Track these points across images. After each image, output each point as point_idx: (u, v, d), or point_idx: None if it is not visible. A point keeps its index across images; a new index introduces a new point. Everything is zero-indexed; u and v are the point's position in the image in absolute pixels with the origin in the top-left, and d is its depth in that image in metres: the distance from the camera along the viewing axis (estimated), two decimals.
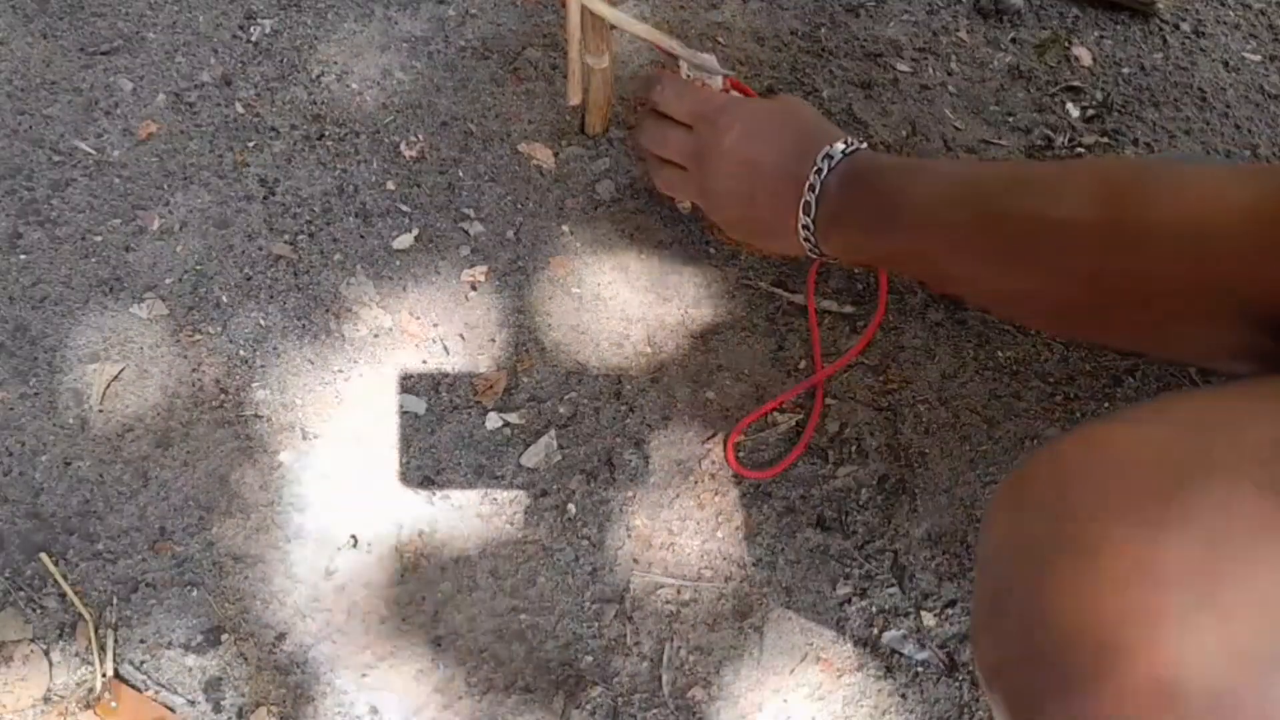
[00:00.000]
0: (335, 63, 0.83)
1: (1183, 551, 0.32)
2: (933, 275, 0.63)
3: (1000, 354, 0.75)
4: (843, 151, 0.62)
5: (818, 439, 0.71)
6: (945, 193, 0.57)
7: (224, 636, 0.63)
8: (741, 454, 0.70)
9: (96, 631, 0.63)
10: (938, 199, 0.57)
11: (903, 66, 0.87)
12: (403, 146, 0.79)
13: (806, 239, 0.63)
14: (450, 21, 0.85)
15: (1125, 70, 0.88)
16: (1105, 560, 0.33)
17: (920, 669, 0.65)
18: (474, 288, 0.74)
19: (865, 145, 0.63)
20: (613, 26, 0.69)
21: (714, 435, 0.70)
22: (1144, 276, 0.47)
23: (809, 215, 0.62)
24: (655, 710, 0.63)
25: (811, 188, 0.61)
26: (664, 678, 0.64)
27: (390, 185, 0.78)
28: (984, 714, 0.64)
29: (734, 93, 0.69)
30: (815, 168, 0.61)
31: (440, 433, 0.69)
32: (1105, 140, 0.84)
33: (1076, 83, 0.87)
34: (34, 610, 0.63)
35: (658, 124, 0.68)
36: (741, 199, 0.65)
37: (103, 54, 0.82)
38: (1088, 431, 0.37)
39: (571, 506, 0.68)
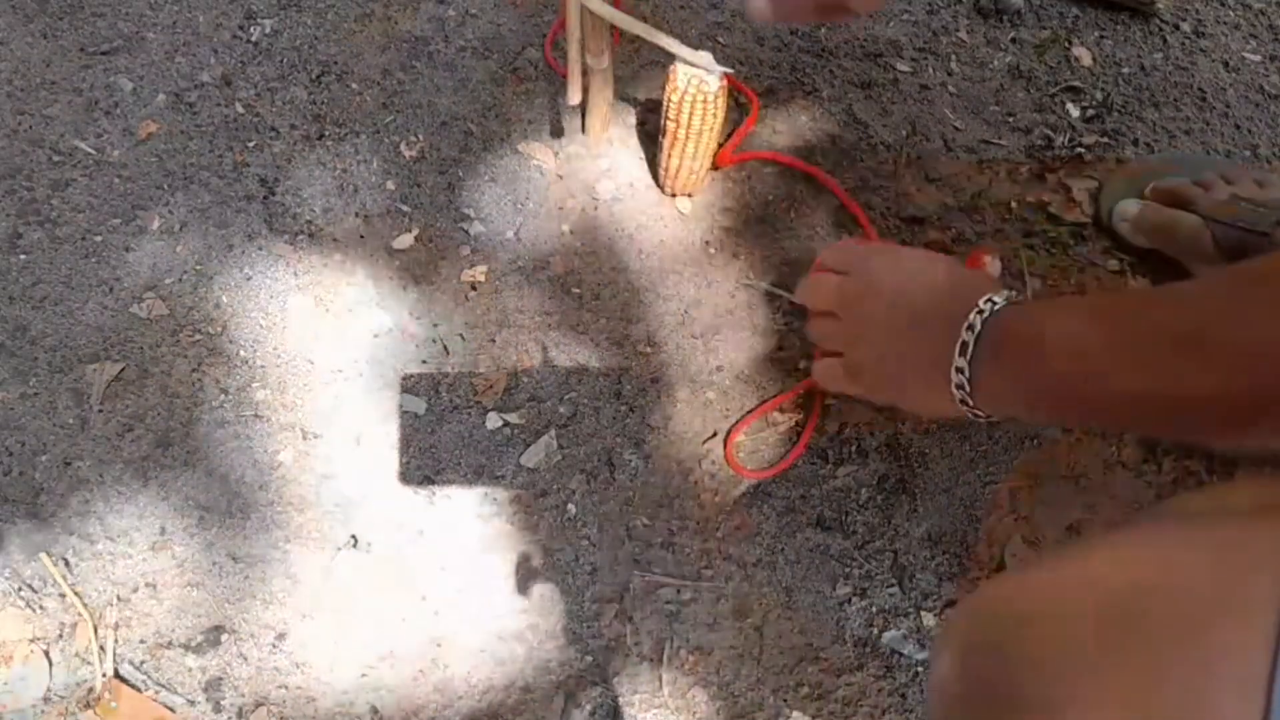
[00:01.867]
0: (335, 63, 0.83)
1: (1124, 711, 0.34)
2: (1077, 402, 0.62)
3: None
4: (1006, 300, 0.60)
5: (818, 439, 0.71)
6: (1085, 316, 0.55)
7: (224, 636, 0.63)
8: (741, 454, 0.70)
9: (96, 631, 0.63)
10: (1078, 322, 0.55)
11: (903, 66, 0.86)
12: (403, 146, 0.79)
13: (960, 384, 0.60)
14: (450, 21, 0.85)
15: (1125, 70, 0.88)
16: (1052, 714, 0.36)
17: (920, 669, 0.65)
18: (474, 288, 0.74)
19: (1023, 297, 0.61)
20: (612, 26, 0.69)
21: (714, 435, 0.70)
22: (1266, 388, 0.46)
23: (964, 356, 0.59)
24: (655, 710, 0.63)
25: (970, 327, 0.59)
26: (664, 678, 0.64)
27: (390, 185, 0.78)
28: None
29: (734, 90, 0.69)
30: (977, 309, 0.59)
31: (440, 433, 0.69)
32: (1105, 140, 0.84)
33: (1076, 83, 0.87)
34: (34, 610, 0.63)
35: (814, 275, 0.67)
36: (893, 333, 0.63)
37: (103, 54, 0.82)
38: (1031, 574, 0.40)
39: (571, 506, 0.68)
